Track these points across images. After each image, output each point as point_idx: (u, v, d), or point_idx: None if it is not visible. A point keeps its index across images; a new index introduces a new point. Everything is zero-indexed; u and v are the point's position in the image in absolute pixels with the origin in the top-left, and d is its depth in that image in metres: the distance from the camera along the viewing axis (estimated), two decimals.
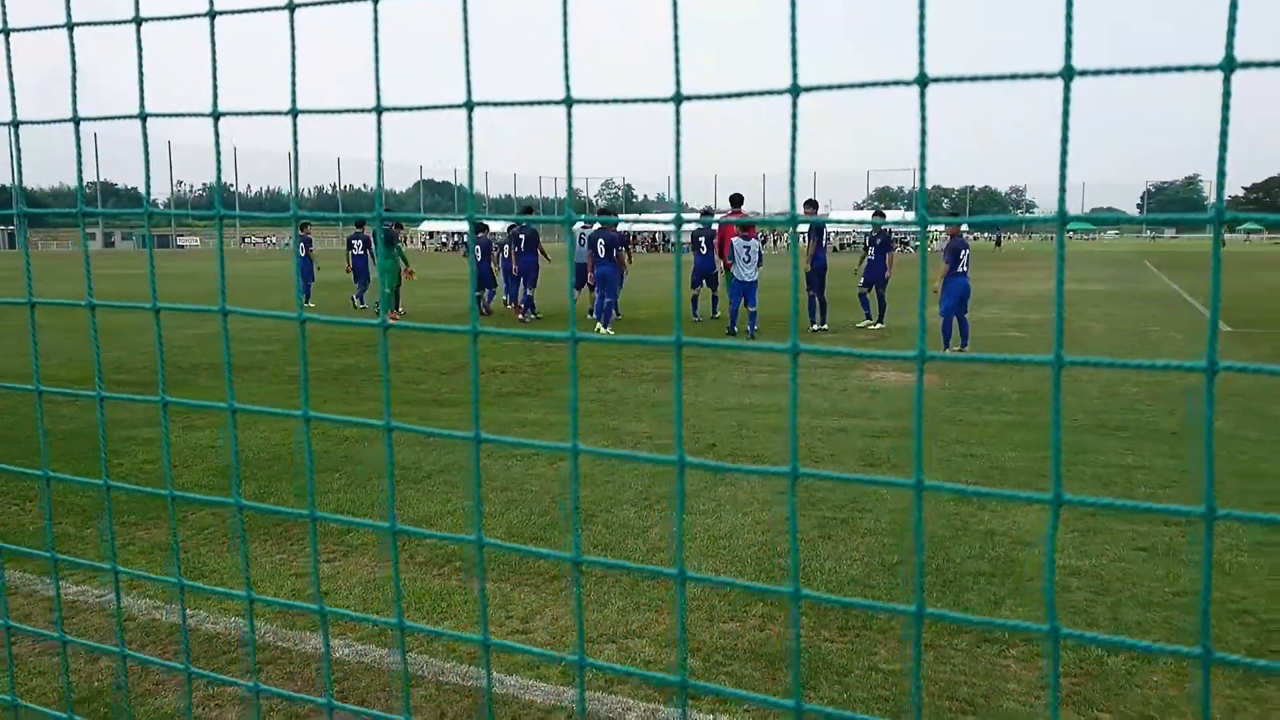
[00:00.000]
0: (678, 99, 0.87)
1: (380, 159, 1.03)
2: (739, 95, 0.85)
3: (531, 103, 0.93)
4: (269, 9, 1.03)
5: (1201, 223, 0.78)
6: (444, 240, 77.95)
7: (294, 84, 1.01)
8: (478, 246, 17.62)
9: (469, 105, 0.96)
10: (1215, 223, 0.74)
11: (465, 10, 0.92)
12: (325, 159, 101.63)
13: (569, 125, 0.92)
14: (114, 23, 1.11)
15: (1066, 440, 7.06)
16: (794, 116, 0.82)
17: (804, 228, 12.07)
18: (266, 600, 1.24)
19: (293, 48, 1.00)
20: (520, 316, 16.79)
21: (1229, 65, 0.72)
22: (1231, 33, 0.71)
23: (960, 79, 0.78)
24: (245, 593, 1.18)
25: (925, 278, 0.82)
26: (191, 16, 1.04)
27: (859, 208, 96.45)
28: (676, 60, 0.85)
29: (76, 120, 1.16)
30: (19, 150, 1.20)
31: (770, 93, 0.83)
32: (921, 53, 0.78)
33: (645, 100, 0.90)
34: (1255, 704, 3.27)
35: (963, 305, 12.22)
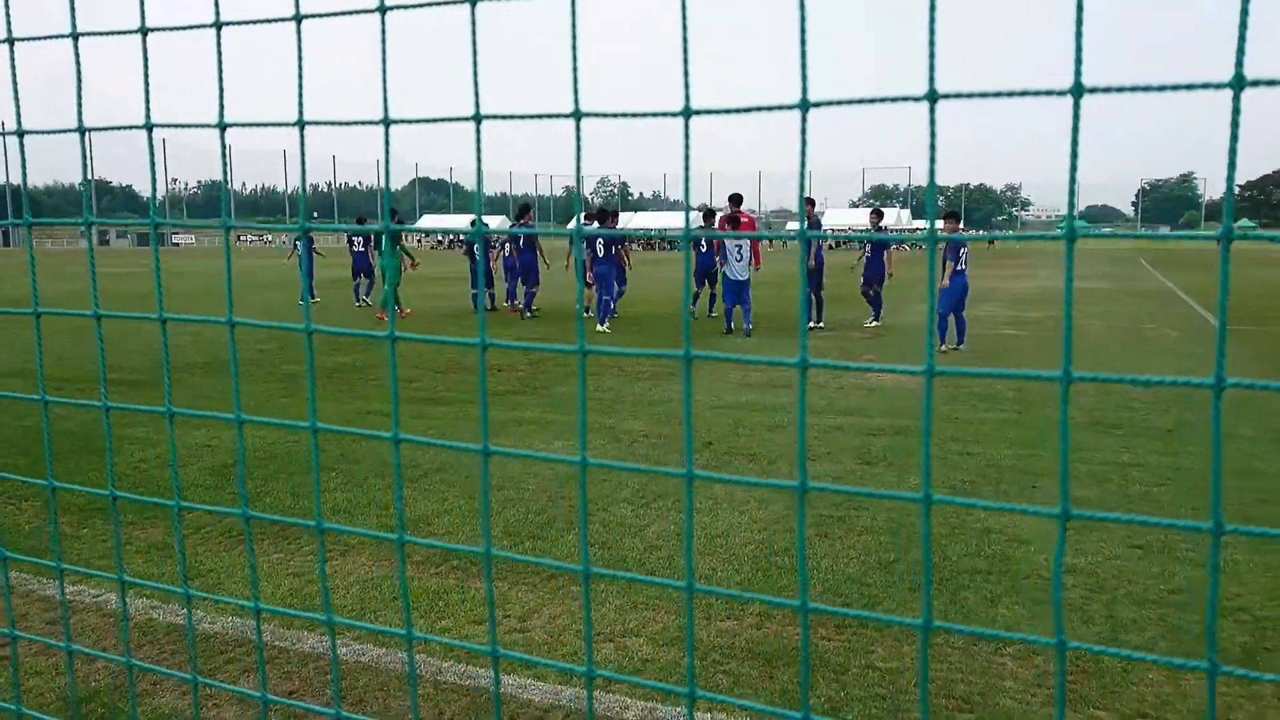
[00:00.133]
0: (686, 113, 0.87)
1: (387, 170, 1.03)
2: (748, 110, 0.85)
3: (540, 116, 0.93)
4: (276, 20, 1.03)
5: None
6: (439, 238, 77.87)
7: (300, 97, 1.01)
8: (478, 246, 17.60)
9: (477, 118, 0.96)
10: (1223, 240, 0.75)
11: (474, 22, 0.92)
12: (321, 158, 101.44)
13: (578, 139, 0.92)
14: (120, 33, 1.10)
15: None
16: (803, 133, 0.82)
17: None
18: (273, 610, 1.25)
19: (299, 61, 1.00)
20: (522, 315, 16.82)
21: (1239, 83, 0.72)
22: (1241, 50, 0.71)
23: (970, 95, 0.78)
24: (253, 603, 1.18)
25: (933, 291, 0.83)
26: (198, 27, 1.04)
27: (854, 205, 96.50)
28: (686, 75, 0.85)
29: (82, 130, 1.15)
30: (24, 161, 1.19)
31: (779, 108, 0.83)
32: (931, 68, 0.78)
33: (654, 115, 0.89)
34: (1250, 700, 3.29)
35: (960, 303, 12.26)
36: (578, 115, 0.92)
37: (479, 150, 0.96)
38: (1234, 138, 0.73)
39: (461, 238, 39.54)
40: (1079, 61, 0.75)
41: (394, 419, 1.07)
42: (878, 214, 16.75)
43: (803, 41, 0.81)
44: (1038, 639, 0.79)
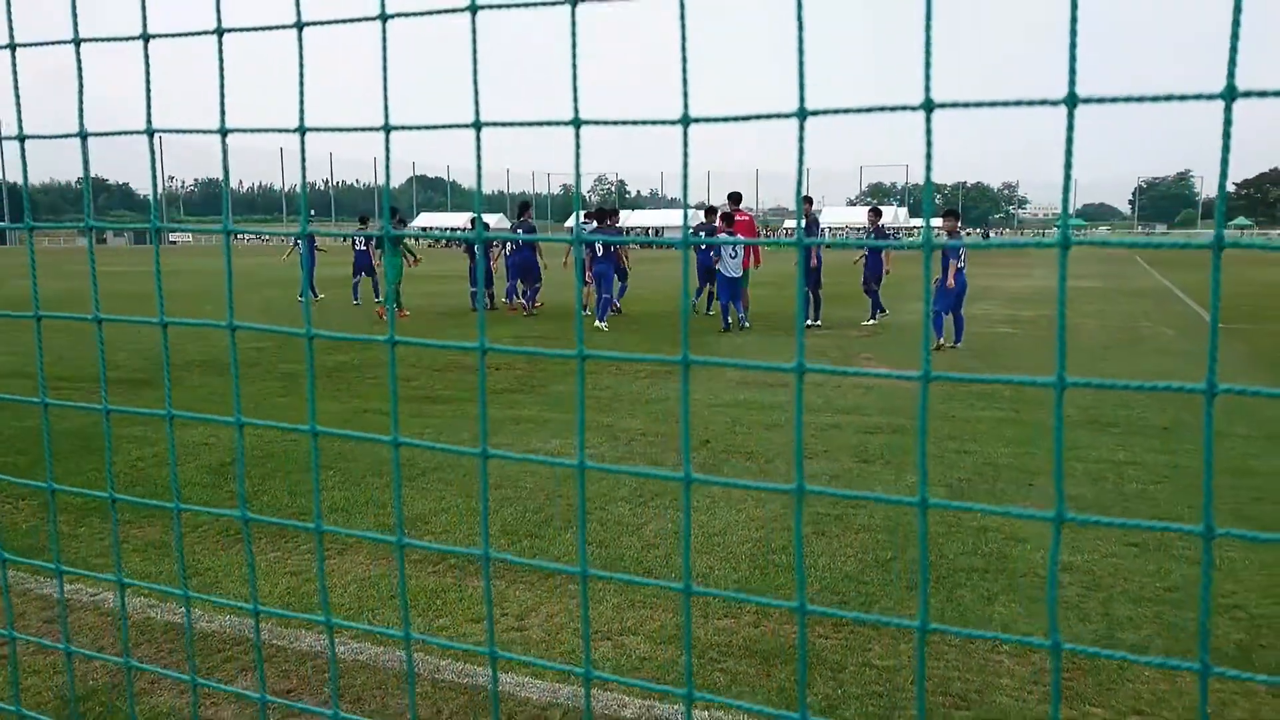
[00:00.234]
0: (685, 121, 0.88)
1: (388, 175, 1.04)
2: (746, 118, 0.86)
3: (540, 123, 0.94)
4: (277, 27, 1.04)
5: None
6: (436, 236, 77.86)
7: (301, 103, 1.01)
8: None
9: (477, 125, 0.96)
10: (1215, 248, 0.76)
11: (474, 30, 0.93)
12: (319, 156, 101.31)
13: (577, 146, 0.92)
14: (122, 39, 1.11)
15: None
16: (801, 140, 0.83)
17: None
18: (272, 611, 1.25)
19: (300, 67, 1.01)
20: (524, 311, 16.87)
21: (1230, 94, 0.73)
22: (1233, 62, 0.72)
23: (965, 104, 0.79)
24: (252, 605, 1.19)
25: (929, 297, 0.84)
26: (201, 34, 1.05)
27: (852, 204, 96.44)
28: (685, 83, 0.85)
29: (84, 135, 1.16)
30: (25, 166, 1.20)
31: (777, 116, 0.84)
32: (928, 77, 0.79)
33: (653, 123, 0.90)
34: (1245, 697, 3.30)
35: (959, 302, 12.30)
36: (577, 123, 0.93)
37: (479, 157, 0.97)
38: (1225, 148, 0.74)
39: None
40: (1073, 72, 0.76)
41: (393, 421, 1.08)
42: (875, 212, 16.75)
43: (800, 50, 0.82)
44: (1033, 640, 0.80)
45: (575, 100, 0.91)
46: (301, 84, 1.01)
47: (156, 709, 3.24)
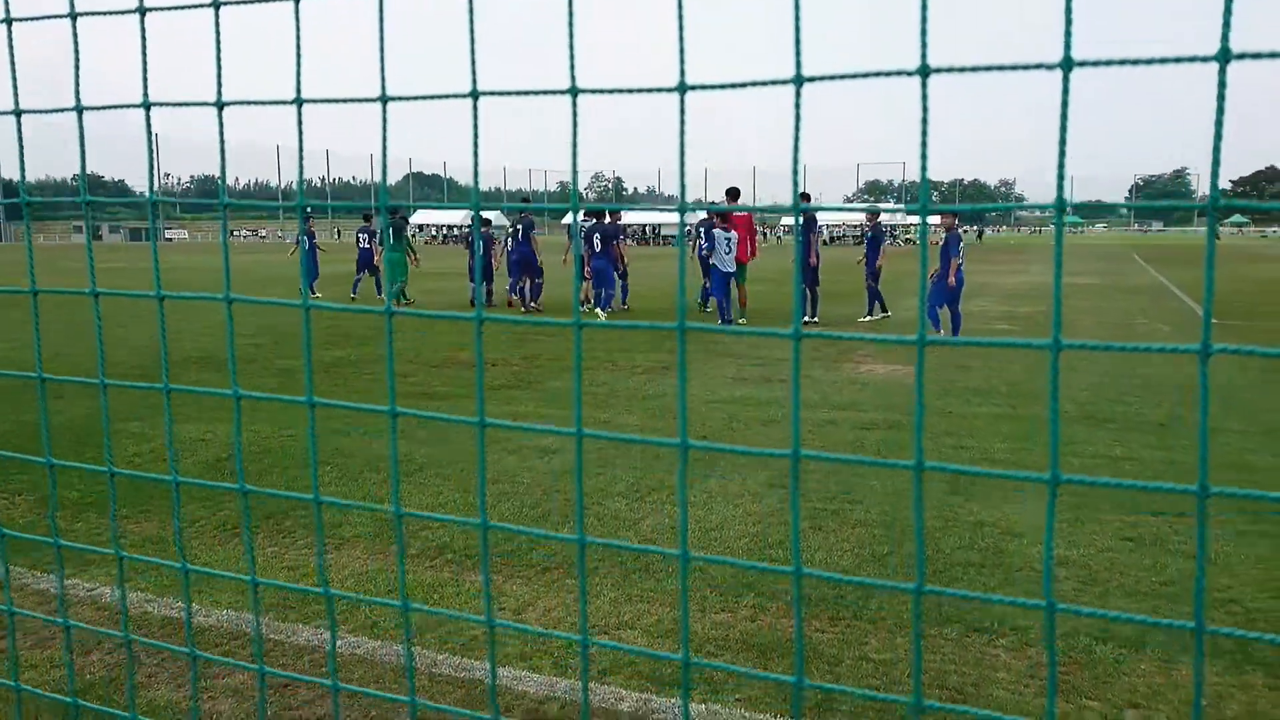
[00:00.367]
0: (682, 89, 0.88)
1: (385, 147, 1.04)
2: (742, 85, 0.86)
3: (537, 92, 0.94)
4: (272, 0, 1.04)
5: (1196, 210, 0.79)
6: (434, 233, 77.90)
7: (299, 73, 1.01)
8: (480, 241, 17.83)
9: (474, 95, 0.96)
10: (1210, 210, 0.76)
11: (471, 6, 0.93)
12: (316, 152, 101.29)
13: (574, 115, 0.92)
14: (118, 13, 1.11)
15: None
16: (797, 106, 0.83)
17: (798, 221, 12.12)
18: (271, 583, 1.25)
19: (297, 38, 1.01)
20: (523, 308, 16.92)
21: (1224, 56, 0.73)
22: (1227, 24, 0.72)
23: (961, 69, 0.79)
24: (250, 577, 1.19)
25: (925, 261, 0.84)
26: (195, 7, 1.05)
27: (849, 200, 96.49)
28: (681, 52, 0.86)
29: (80, 109, 1.16)
30: (21, 141, 1.20)
31: (774, 83, 0.84)
32: (924, 44, 0.79)
33: (649, 90, 0.91)
34: (1241, 690, 3.31)
35: (956, 297, 12.32)
36: (574, 91, 0.93)
37: (475, 129, 0.97)
38: (1220, 110, 0.74)
39: (465, 230, 39.25)
40: (1068, 35, 0.77)
41: (390, 391, 1.08)
42: (874, 211, 16.77)
43: (797, 19, 0.82)
44: (1024, 601, 0.80)
45: (572, 69, 0.92)
46: (299, 56, 1.01)
47: (154, 702, 3.24)
